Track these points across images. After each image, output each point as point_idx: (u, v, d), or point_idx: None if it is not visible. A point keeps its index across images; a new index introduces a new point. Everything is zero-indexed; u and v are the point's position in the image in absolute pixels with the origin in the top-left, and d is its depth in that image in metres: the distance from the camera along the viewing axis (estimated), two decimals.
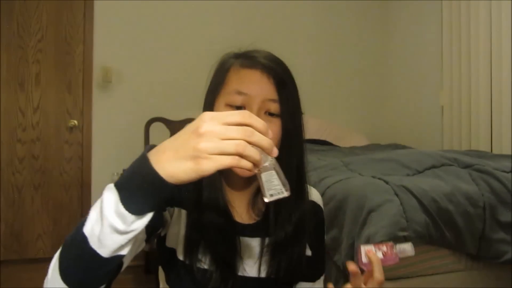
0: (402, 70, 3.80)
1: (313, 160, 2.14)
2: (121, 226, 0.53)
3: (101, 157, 3.25)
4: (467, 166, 1.74)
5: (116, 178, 3.58)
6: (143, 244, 0.73)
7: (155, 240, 0.84)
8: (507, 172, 1.67)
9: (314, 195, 0.92)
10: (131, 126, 3.24)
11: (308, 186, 0.90)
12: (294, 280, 0.86)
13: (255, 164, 0.52)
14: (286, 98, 0.77)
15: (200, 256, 0.78)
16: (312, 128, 3.38)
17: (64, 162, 3.19)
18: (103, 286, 0.60)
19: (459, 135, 3.06)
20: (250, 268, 0.81)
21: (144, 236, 0.71)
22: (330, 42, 3.86)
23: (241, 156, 0.51)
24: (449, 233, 1.49)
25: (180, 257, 0.80)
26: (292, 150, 0.80)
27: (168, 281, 0.83)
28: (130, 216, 0.53)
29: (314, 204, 0.91)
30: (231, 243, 0.79)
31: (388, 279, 1.48)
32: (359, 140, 3.41)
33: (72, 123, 3.19)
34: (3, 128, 3.05)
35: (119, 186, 0.54)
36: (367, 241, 1.38)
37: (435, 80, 3.37)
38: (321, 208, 0.93)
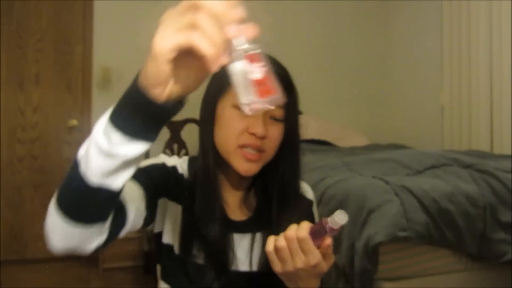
0: (402, 70, 3.80)
1: (313, 160, 2.14)
2: (105, 145, 0.51)
3: None
4: (467, 166, 1.74)
5: None
6: (144, 215, 0.74)
7: (154, 238, 0.86)
8: (508, 172, 1.67)
9: (303, 188, 0.95)
10: None
11: (304, 184, 0.95)
12: None
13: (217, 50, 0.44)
14: (290, 104, 0.80)
15: (195, 252, 0.81)
16: (312, 128, 3.38)
17: (64, 162, 3.18)
18: (102, 224, 0.58)
19: (459, 135, 3.05)
20: (242, 263, 0.84)
21: (143, 204, 0.72)
22: (330, 42, 3.85)
23: (197, 29, 0.43)
24: (449, 233, 1.49)
25: (177, 252, 0.82)
26: (292, 153, 0.84)
27: (164, 277, 0.85)
28: (114, 134, 0.50)
29: (303, 197, 0.94)
30: (225, 240, 0.82)
31: (388, 279, 1.48)
32: (359, 140, 3.41)
33: (72, 123, 3.18)
34: (3, 128, 3.05)
35: (113, 107, 0.53)
36: (367, 242, 1.38)
37: (435, 80, 3.36)
38: (310, 201, 0.95)
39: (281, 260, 0.68)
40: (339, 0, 3.86)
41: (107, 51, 3.26)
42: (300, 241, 0.66)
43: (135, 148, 0.51)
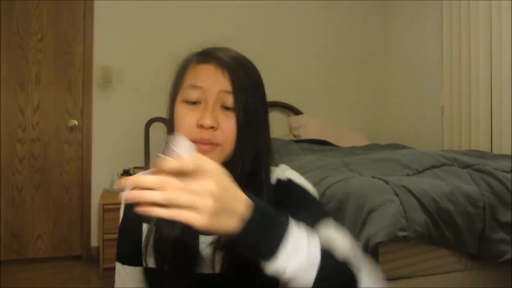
0: (402, 70, 3.80)
1: (313, 160, 2.14)
2: None
3: (101, 157, 3.25)
4: (467, 166, 1.74)
5: (116, 178, 3.57)
6: None
7: None
8: (507, 172, 1.67)
9: (278, 172, 0.84)
10: (131, 126, 3.24)
11: (281, 167, 0.86)
12: (251, 276, 0.77)
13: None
14: (240, 91, 0.75)
15: (156, 257, 0.79)
16: (312, 128, 3.38)
17: (64, 162, 3.19)
18: None
19: (459, 135, 3.06)
20: (206, 265, 0.79)
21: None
22: (330, 42, 3.86)
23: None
24: (449, 233, 1.49)
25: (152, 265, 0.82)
26: (248, 144, 0.77)
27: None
28: None
29: (280, 183, 0.83)
30: (189, 242, 0.79)
31: (388, 279, 1.48)
32: (359, 140, 3.41)
33: (72, 123, 3.19)
34: (3, 128, 3.05)
35: None
36: (367, 242, 1.38)
37: (435, 80, 3.37)
38: (287, 183, 0.83)
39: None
40: (339, 1, 3.86)
41: (107, 51, 3.27)
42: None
43: None
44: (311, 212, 0.77)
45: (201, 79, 0.76)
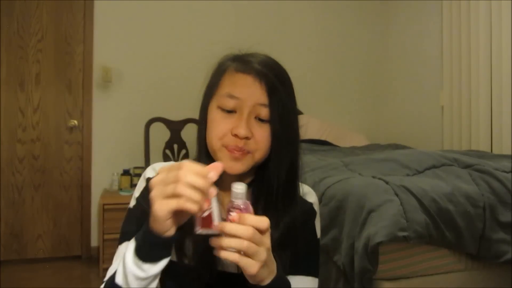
0: (402, 70, 3.80)
1: (313, 160, 2.14)
2: (141, 274, 0.66)
3: (101, 157, 3.25)
4: (467, 166, 1.74)
5: (116, 178, 3.55)
6: None
7: None
8: (507, 172, 1.67)
9: (304, 191, 0.90)
10: (131, 126, 3.24)
11: (306, 187, 0.91)
12: None
13: (200, 205, 0.61)
14: (277, 104, 0.78)
15: (187, 253, 0.80)
16: (312, 128, 3.38)
17: (64, 162, 3.19)
18: None
19: (459, 135, 3.06)
20: (231, 264, 0.80)
21: None
22: (330, 42, 3.86)
23: (180, 195, 0.59)
24: (449, 233, 1.49)
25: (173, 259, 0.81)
26: (283, 156, 0.80)
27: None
28: (144, 265, 0.66)
29: (302, 199, 0.89)
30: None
31: (388, 279, 1.48)
32: (359, 140, 3.41)
33: (72, 123, 3.19)
34: (3, 128, 3.05)
35: (136, 238, 0.68)
36: (367, 242, 1.38)
37: (435, 80, 3.37)
38: (310, 203, 0.91)
39: (252, 256, 0.65)
40: (339, 0, 3.86)
41: (107, 51, 3.27)
42: (264, 230, 0.65)
43: (161, 264, 0.67)
44: (307, 264, 0.87)
45: (239, 90, 0.78)
